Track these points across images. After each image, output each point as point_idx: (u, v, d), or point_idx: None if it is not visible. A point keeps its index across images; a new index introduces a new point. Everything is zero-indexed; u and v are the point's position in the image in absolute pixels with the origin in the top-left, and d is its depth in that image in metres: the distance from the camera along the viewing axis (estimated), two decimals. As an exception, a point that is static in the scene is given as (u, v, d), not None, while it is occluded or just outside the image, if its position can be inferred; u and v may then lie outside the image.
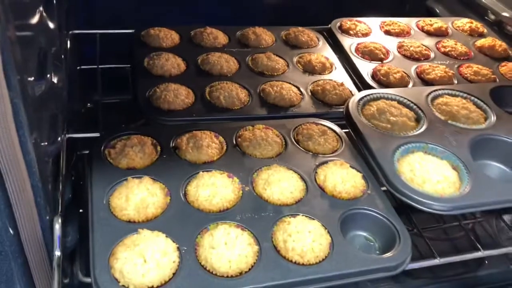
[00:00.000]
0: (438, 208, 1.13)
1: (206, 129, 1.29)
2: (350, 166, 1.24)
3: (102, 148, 1.20)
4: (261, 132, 1.29)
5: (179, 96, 1.37)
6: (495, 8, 2.01)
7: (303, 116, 1.41)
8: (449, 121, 1.39)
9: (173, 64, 1.50)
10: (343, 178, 1.19)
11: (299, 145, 1.30)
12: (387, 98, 1.46)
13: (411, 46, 1.79)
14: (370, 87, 1.56)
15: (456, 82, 1.65)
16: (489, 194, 1.18)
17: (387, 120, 1.36)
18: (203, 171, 1.16)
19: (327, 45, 1.78)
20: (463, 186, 1.20)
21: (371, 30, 1.90)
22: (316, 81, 1.55)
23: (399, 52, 1.79)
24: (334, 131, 1.36)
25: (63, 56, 1.38)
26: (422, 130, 1.35)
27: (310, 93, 1.50)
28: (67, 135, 1.29)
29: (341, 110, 1.42)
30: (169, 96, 1.35)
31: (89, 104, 1.80)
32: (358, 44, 1.78)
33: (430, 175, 1.21)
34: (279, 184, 1.14)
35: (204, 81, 1.48)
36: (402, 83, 1.60)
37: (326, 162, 1.25)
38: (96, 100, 1.51)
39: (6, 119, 0.77)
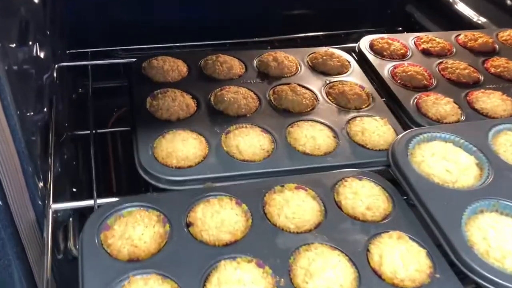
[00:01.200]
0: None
1: (224, 192, 1.04)
2: (410, 239, 0.99)
3: (97, 229, 0.95)
4: (294, 194, 1.04)
5: (191, 149, 1.12)
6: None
7: (340, 167, 1.16)
8: None
9: (181, 104, 1.24)
10: (403, 259, 0.94)
11: (341, 210, 1.05)
12: (442, 139, 1.21)
13: (456, 68, 1.53)
14: (418, 125, 1.31)
15: (515, 110, 1.39)
16: None
17: (445, 169, 1.11)
18: (225, 260, 0.91)
19: (359, 69, 1.53)
20: None
21: (407, 49, 1.64)
22: (352, 119, 1.29)
23: (443, 75, 1.53)
24: (384, 189, 1.11)
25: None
26: (489, 181, 1.10)
27: (347, 135, 1.24)
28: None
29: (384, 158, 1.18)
30: (179, 151, 1.11)
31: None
32: (395, 67, 1.53)
33: (510, 246, 0.96)
34: (324, 274, 0.90)
35: (219, 124, 1.23)
36: (453, 115, 1.34)
37: (379, 234, 1.00)
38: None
39: None
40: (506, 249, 0.96)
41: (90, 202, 1.11)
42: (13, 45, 1.03)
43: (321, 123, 1.26)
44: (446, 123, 1.33)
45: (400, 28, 2.11)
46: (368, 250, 0.98)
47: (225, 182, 1.10)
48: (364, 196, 1.07)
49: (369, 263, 0.95)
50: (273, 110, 1.30)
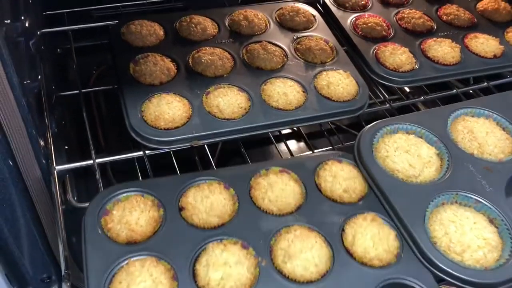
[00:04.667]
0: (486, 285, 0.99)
1: (213, 176, 1.14)
2: (383, 220, 1.08)
3: (98, 214, 1.04)
4: (278, 178, 1.14)
5: (176, 111, 1.24)
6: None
7: (309, 120, 1.31)
8: (475, 155, 1.22)
9: (162, 69, 1.35)
10: (374, 240, 1.03)
11: (321, 191, 1.15)
12: (404, 130, 1.27)
13: (412, 18, 1.66)
14: (377, 74, 1.46)
15: (463, 56, 1.55)
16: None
17: (409, 164, 1.17)
18: (212, 243, 1.01)
19: (324, 23, 1.64)
20: (507, 249, 1.04)
21: (368, 0, 1.75)
22: (319, 74, 1.42)
23: (400, 25, 1.66)
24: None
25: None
26: (448, 174, 1.16)
27: (314, 89, 1.38)
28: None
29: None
30: (166, 114, 1.23)
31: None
32: (356, 19, 1.65)
33: (468, 239, 1.03)
34: (301, 255, 0.99)
35: (199, 86, 1.34)
36: (408, 64, 1.49)
37: (355, 216, 1.09)
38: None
39: None
40: (465, 242, 1.02)
41: (89, 162, 1.24)
42: (6, 15, 1.10)
43: (291, 79, 1.39)
44: (402, 71, 1.48)
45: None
46: (343, 230, 1.06)
47: (209, 139, 1.24)
48: (342, 179, 1.15)
49: (343, 243, 1.04)
50: (247, 69, 1.42)
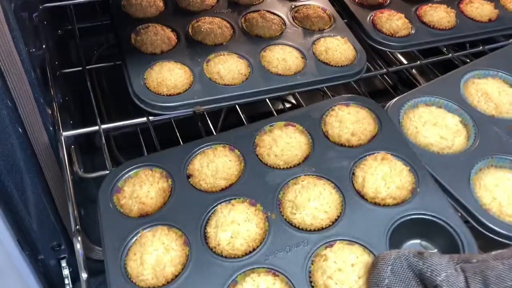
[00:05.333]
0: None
1: (218, 140, 1.15)
2: (394, 157, 1.07)
3: (110, 193, 1.06)
4: (282, 132, 1.15)
5: (178, 78, 1.27)
6: None
7: (309, 84, 1.34)
8: (496, 116, 1.25)
9: (163, 38, 1.38)
10: (385, 179, 1.03)
11: (328, 138, 1.15)
12: (424, 103, 1.27)
13: (408, -16, 1.68)
14: (374, 40, 1.49)
15: (458, 21, 1.57)
16: None
17: (440, 137, 1.17)
18: (221, 205, 1.02)
19: (321, -9, 1.66)
20: None
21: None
22: (317, 40, 1.45)
23: (396, -9, 1.68)
24: (371, 111, 1.21)
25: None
26: (478, 139, 1.18)
27: (313, 55, 1.41)
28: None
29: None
30: (168, 80, 1.26)
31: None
32: (353, -13, 1.67)
33: None
34: (309, 204, 0.99)
35: (199, 54, 1.37)
36: (404, 30, 1.52)
37: (364, 157, 1.09)
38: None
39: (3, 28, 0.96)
40: None
41: (95, 128, 1.28)
42: None
43: (290, 46, 1.42)
44: (398, 36, 1.50)
45: None
46: (353, 174, 1.06)
47: (210, 105, 1.27)
48: (349, 122, 1.15)
49: (353, 184, 1.04)
50: (246, 37, 1.45)
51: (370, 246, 0.94)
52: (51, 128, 1.23)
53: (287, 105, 1.82)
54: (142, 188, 1.05)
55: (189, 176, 1.09)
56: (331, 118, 1.19)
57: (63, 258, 1.41)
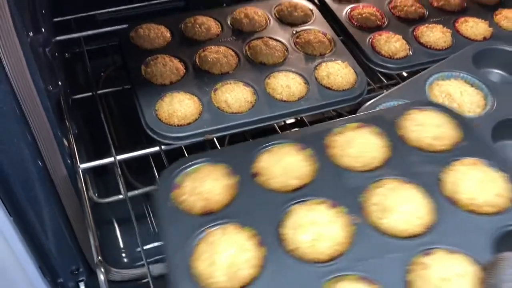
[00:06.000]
0: None
1: (284, 139, 1.11)
2: (487, 165, 1.01)
3: (168, 189, 1.03)
4: (356, 134, 1.10)
5: (188, 109, 1.34)
6: None
7: (313, 109, 1.40)
8: None
9: (172, 69, 1.44)
10: (480, 186, 0.96)
11: (407, 143, 1.09)
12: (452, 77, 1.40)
13: (404, 6, 1.74)
14: (374, 62, 1.55)
15: (454, 40, 1.63)
16: None
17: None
18: (295, 205, 0.96)
19: (321, 16, 1.73)
20: None
21: (362, -9, 1.83)
22: (319, 65, 1.51)
23: (393, 13, 1.74)
24: (451, 117, 1.16)
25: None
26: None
27: (315, 80, 1.47)
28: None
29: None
30: (178, 111, 1.32)
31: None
32: (351, 10, 1.74)
33: None
34: (400, 209, 0.92)
35: (206, 83, 1.43)
36: (402, 51, 1.58)
37: (451, 163, 1.03)
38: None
39: (22, 67, 1.01)
40: None
41: (110, 159, 1.34)
42: (28, 27, 1.18)
43: (293, 72, 1.48)
44: (397, 58, 1.56)
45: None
46: (439, 180, 0.99)
47: (220, 133, 1.33)
48: (430, 126, 1.10)
49: (443, 192, 0.97)
50: (250, 65, 1.51)
51: (474, 256, 0.88)
52: (68, 160, 1.30)
53: (288, 121, 1.86)
54: (205, 184, 1.01)
55: (255, 175, 1.05)
56: (409, 122, 1.15)
57: (81, 281, 1.48)
